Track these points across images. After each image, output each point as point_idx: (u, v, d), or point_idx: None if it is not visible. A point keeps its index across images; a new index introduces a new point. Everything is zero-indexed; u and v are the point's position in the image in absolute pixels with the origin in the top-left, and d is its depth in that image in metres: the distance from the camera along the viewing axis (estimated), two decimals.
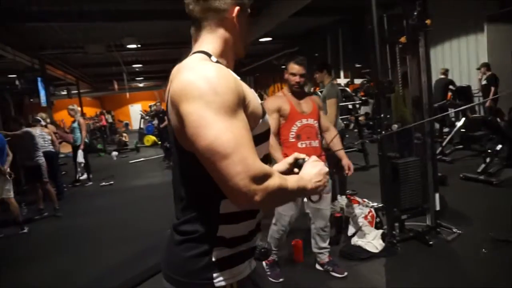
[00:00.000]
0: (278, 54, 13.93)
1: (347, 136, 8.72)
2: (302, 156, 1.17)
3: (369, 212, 3.41)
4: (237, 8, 1.00)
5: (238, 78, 0.97)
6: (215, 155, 0.81)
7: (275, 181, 0.86)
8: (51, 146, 5.80)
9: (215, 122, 0.82)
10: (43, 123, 6.01)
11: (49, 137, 5.80)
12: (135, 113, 20.59)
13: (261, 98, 14.14)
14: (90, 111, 19.82)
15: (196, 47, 1.02)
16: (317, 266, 2.86)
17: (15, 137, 5.16)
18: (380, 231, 3.21)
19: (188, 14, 1.03)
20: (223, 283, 0.94)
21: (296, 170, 1.14)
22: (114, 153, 8.14)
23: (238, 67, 13.71)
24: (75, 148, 6.99)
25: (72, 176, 7.46)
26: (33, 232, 4.61)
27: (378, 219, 3.43)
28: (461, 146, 6.14)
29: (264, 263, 2.79)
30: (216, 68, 0.89)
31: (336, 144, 2.74)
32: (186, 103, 0.84)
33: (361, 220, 3.36)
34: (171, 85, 0.92)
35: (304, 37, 12.16)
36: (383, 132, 2.95)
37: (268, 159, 1.07)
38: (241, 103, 0.89)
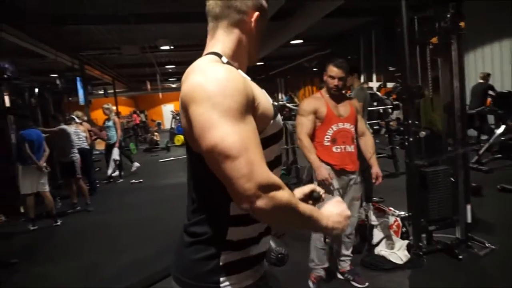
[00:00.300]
0: (309, 56, 13.84)
1: (377, 141, 8.53)
2: (319, 189, 1.17)
3: (394, 221, 3.28)
4: (256, 13, 1.00)
5: (248, 79, 0.97)
6: (220, 156, 0.80)
7: (283, 195, 0.83)
8: (85, 143, 6.06)
9: (222, 124, 0.81)
10: (78, 120, 6.28)
11: (84, 134, 6.06)
12: (167, 113, 21.06)
13: (292, 100, 14.12)
14: (124, 110, 20.49)
15: (210, 46, 1.03)
16: (338, 275, 2.79)
17: (51, 133, 5.41)
18: (406, 241, 3.08)
19: (206, 12, 1.04)
20: None
21: (310, 202, 1.12)
22: (136, 164, 8.31)
23: (269, 69, 13.79)
24: (108, 146, 7.23)
25: (105, 173, 7.74)
26: (65, 225, 4.84)
27: (404, 229, 3.29)
28: (500, 155, 5.80)
29: (310, 282, 2.70)
30: (225, 70, 0.88)
31: (369, 151, 2.67)
32: (194, 105, 0.84)
33: (386, 229, 3.25)
34: (182, 86, 0.92)
35: (337, 39, 11.99)
36: (411, 138, 2.83)
37: (279, 161, 1.05)
38: (250, 105, 0.87)
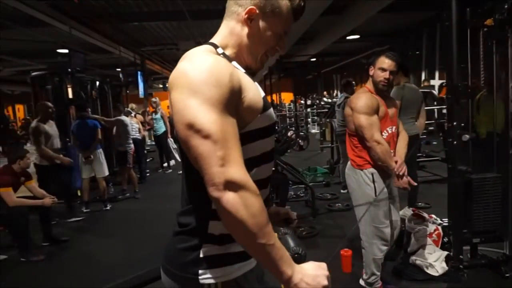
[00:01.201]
0: (367, 52, 13.29)
1: (434, 143, 7.96)
2: (294, 217, 1.19)
3: (435, 230, 3.06)
4: (250, 8, 0.96)
5: (242, 71, 0.95)
6: (197, 134, 0.79)
7: (257, 203, 0.80)
8: (138, 134, 6.44)
9: (201, 111, 0.80)
10: (133, 113, 6.70)
11: (137, 126, 6.45)
12: None
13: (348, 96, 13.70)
14: None
15: (212, 37, 1.03)
16: (361, 281, 2.56)
17: (108, 123, 5.82)
18: (445, 252, 2.85)
19: None
20: (207, 281, 0.93)
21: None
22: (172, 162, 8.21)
23: (324, 66, 13.43)
24: (156, 138, 7.56)
25: (157, 163, 8.14)
26: (114, 209, 5.21)
27: (446, 239, 3.06)
28: None
29: None
30: (213, 60, 0.87)
31: (399, 150, 2.48)
32: (175, 91, 0.85)
33: (424, 238, 3.03)
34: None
35: (396, 35, 11.39)
36: (455, 142, 2.60)
37: (270, 157, 1.01)
38: (234, 100, 0.86)
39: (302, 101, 13.37)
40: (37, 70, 7.21)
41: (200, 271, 0.93)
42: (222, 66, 0.86)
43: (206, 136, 0.78)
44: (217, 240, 0.94)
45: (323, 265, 0.94)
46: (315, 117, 12.33)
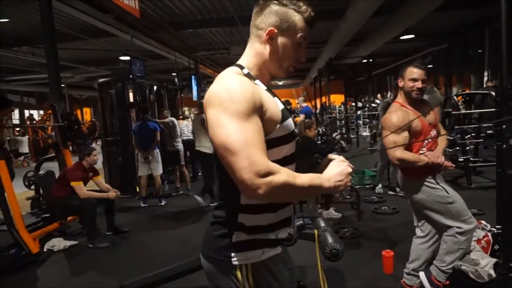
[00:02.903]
0: (423, 52, 12.76)
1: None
2: (334, 157, 1.23)
3: (484, 236, 2.96)
4: (269, 29, 1.11)
5: (264, 88, 1.12)
6: (226, 151, 0.98)
7: (280, 177, 0.97)
8: (191, 135, 6.80)
9: (229, 124, 0.99)
10: (186, 115, 7.10)
11: (191, 128, 6.80)
12: None
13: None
14: None
15: (240, 58, 1.20)
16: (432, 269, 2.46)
17: (163, 124, 6.25)
18: (494, 260, 2.75)
19: None
20: (238, 262, 1.10)
21: None
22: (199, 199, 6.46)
23: (377, 67, 13.04)
24: None
25: None
26: (168, 205, 5.60)
27: (497, 247, 2.94)
28: None
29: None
30: (237, 80, 1.05)
31: (438, 147, 2.47)
32: (209, 109, 1.04)
33: (472, 244, 2.94)
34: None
35: (454, 33, 10.82)
36: (504, 145, 2.52)
37: (291, 160, 1.16)
38: (257, 110, 1.03)
39: (353, 103, 13.16)
40: (103, 77, 7.92)
41: (232, 254, 1.11)
42: (245, 85, 1.04)
43: (232, 152, 0.96)
44: (246, 229, 1.11)
45: (340, 157, 1.15)
46: (366, 120, 12.08)
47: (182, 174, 6.19)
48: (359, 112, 12.41)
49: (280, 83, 22.84)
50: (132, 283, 2.55)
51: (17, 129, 11.85)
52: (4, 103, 4.71)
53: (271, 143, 1.08)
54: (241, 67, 1.14)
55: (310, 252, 1.82)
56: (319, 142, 6.36)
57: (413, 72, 2.29)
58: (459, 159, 5.40)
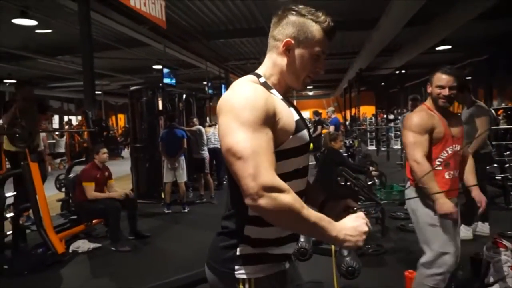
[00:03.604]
0: (461, 63, 12.24)
1: None
2: (354, 205, 1.20)
3: None
4: (286, 40, 1.09)
5: (279, 97, 1.09)
6: (234, 158, 0.95)
7: (286, 197, 0.93)
8: (218, 143, 6.87)
9: (239, 132, 0.96)
10: (212, 123, 7.18)
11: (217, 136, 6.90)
12: None
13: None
14: None
15: (258, 68, 1.18)
16: None
17: (190, 132, 6.34)
18: None
19: None
20: (241, 276, 1.07)
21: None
22: None
23: (413, 78, 12.67)
24: None
25: None
26: (191, 212, 5.65)
27: None
28: None
29: None
30: (252, 89, 1.03)
31: (468, 174, 2.33)
32: (221, 115, 1.02)
33: (506, 269, 2.74)
34: None
35: (497, 42, 10.28)
36: None
37: (302, 173, 1.12)
38: (269, 120, 1.00)
39: (385, 116, 12.83)
40: (136, 84, 8.20)
41: (236, 267, 1.07)
42: (258, 93, 1.01)
43: (240, 158, 0.94)
44: (252, 242, 1.08)
45: (361, 214, 1.06)
46: (398, 132, 11.73)
47: (207, 182, 6.23)
48: (391, 125, 12.07)
49: (311, 93, 22.73)
50: (157, 286, 2.57)
51: (56, 133, 12.45)
52: (43, 109, 4.97)
53: (282, 154, 1.04)
54: (258, 76, 1.12)
55: (329, 268, 1.75)
56: (345, 154, 6.21)
57: (441, 78, 2.15)
58: (497, 177, 5.09)
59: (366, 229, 1.02)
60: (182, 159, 5.66)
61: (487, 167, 5.28)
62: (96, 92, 15.77)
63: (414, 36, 8.79)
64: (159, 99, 6.42)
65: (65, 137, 12.47)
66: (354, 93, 11.23)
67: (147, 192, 6.40)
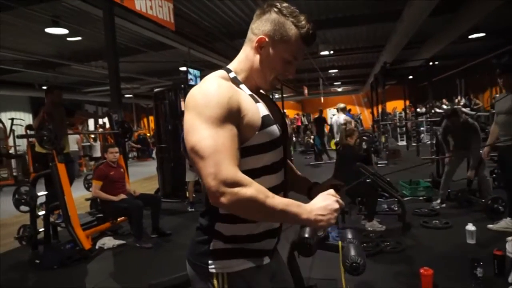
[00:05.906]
0: (496, 52, 11.58)
1: None
2: (338, 183, 1.20)
3: None
4: (260, 37, 1.08)
5: (248, 93, 1.08)
6: (196, 156, 0.98)
7: (248, 190, 0.94)
8: None
9: (201, 129, 0.98)
10: None
11: None
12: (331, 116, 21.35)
13: (469, 103, 12.14)
14: (291, 113, 21.99)
15: (233, 60, 1.18)
16: None
17: None
18: None
19: None
20: (214, 270, 1.09)
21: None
22: None
23: (445, 69, 12.20)
24: None
25: None
26: None
27: None
28: None
29: None
30: (215, 85, 1.03)
31: None
32: (186, 112, 1.04)
33: None
34: None
35: None
36: None
37: (275, 169, 1.11)
38: (233, 117, 1.00)
39: (418, 109, 12.38)
40: (162, 87, 8.41)
41: (209, 261, 1.10)
42: (222, 90, 1.01)
43: (202, 157, 0.96)
44: (224, 238, 1.10)
45: (330, 191, 1.06)
46: (429, 127, 11.29)
47: None
48: (421, 119, 11.64)
49: (340, 89, 22.33)
50: (160, 283, 2.65)
51: (92, 136, 13.01)
52: (70, 112, 5.23)
53: (249, 150, 1.04)
54: (229, 71, 1.12)
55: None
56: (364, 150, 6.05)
57: None
58: None
59: (336, 206, 1.02)
60: None
61: None
62: (128, 96, 16.34)
63: (441, 26, 8.43)
64: (181, 100, 6.55)
65: (98, 141, 12.98)
66: (381, 88, 10.94)
67: (172, 191, 6.57)
